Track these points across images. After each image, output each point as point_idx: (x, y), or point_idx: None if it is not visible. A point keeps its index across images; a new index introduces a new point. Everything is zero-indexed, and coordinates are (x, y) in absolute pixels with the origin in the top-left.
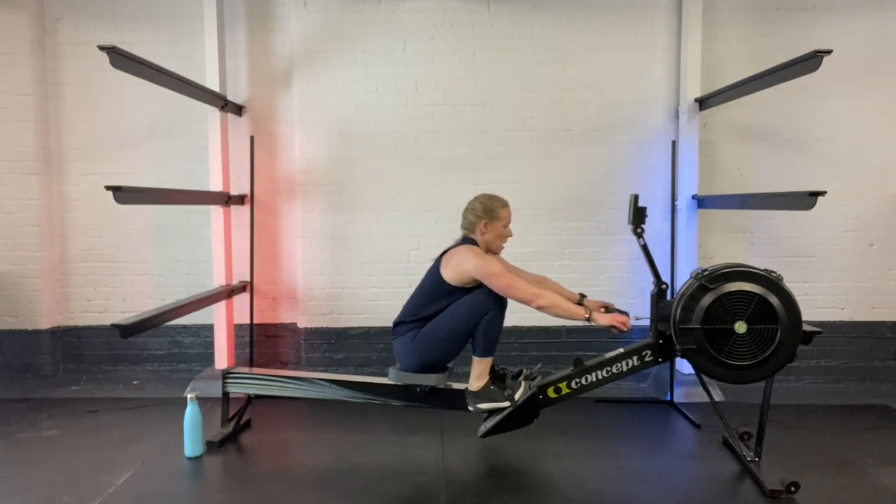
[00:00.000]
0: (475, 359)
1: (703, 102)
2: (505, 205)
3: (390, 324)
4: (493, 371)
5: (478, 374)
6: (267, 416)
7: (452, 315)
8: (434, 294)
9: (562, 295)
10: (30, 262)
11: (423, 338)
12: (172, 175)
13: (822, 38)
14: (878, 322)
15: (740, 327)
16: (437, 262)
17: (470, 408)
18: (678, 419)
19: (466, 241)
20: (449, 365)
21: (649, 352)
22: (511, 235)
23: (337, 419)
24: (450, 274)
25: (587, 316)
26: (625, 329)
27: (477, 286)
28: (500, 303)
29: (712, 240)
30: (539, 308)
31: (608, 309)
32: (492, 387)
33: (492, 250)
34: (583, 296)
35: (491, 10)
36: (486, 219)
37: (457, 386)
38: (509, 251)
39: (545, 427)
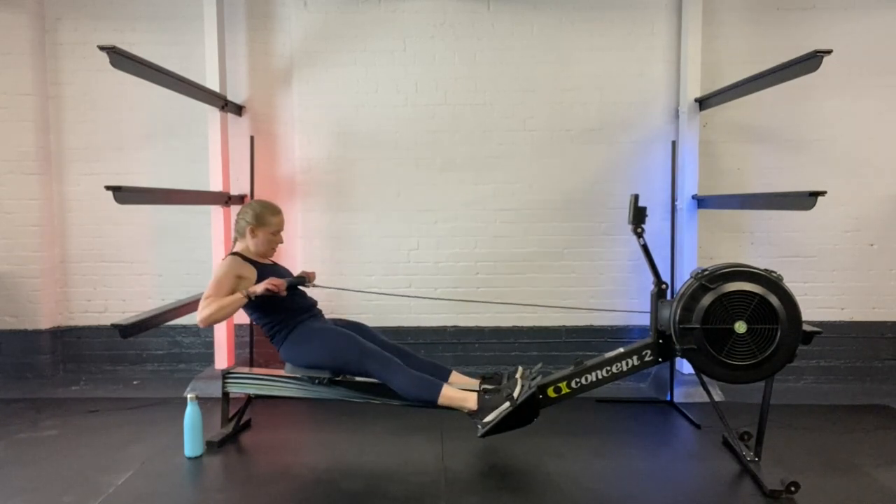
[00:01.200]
0: (438, 403)
1: (703, 102)
2: (276, 212)
3: (390, 324)
4: (482, 378)
5: (458, 402)
6: (267, 416)
7: (338, 352)
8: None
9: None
10: (30, 262)
11: (298, 346)
12: (172, 175)
13: (822, 38)
14: (878, 322)
15: (740, 327)
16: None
17: (479, 427)
18: (678, 419)
19: (232, 254)
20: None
21: (649, 351)
22: (282, 242)
23: (337, 419)
24: None
25: (244, 295)
26: (273, 290)
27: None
28: (379, 365)
29: (712, 240)
30: (204, 323)
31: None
32: (486, 396)
33: (261, 254)
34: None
35: (491, 10)
36: (253, 224)
37: (359, 378)
38: (510, 250)
39: (545, 427)
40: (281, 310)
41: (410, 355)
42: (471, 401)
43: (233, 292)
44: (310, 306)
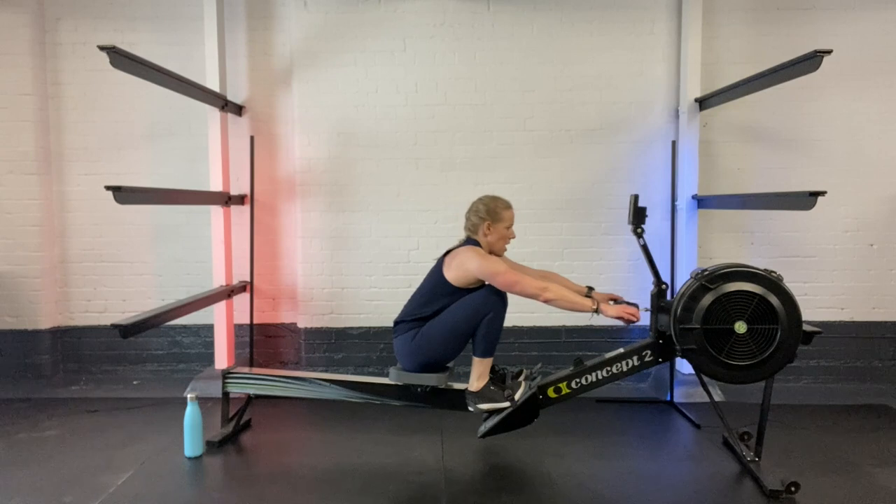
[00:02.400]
0: (475, 359)
1: (703, 102)
2: (508, 206)
3: (390, 324)
4: (493, 371)
5: (478, 374)
6: (267, 416)
7: (453, 315)
8: (436, 294)
9: (569, 288)
10: (30, 262)
11: (423, 337)
12: (172, 175)
13: (822, 38)
14: (878, 322)
15: (740, 327)
16: (440, 262)
17: (470, 408)
18: (678, 419)
19: (469, 242)
20: (449, 365)
21: (649, 352)
22: (514, 237)
23: (337, 419)
24: (453, 274)
25: (595, 307)
26: (634, 320)
27: (478, 287)
28: (500, 303)
29: (712, 240)
30: (547, 301)
31: (616, 301)
32: (492, 387)
33: (494, 251)
34: (590, 288)
35: (491, 10)
36: (488, 220)
37: (458, 386)
38: (510, 251)
39: (545, 427)
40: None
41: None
42: (482, 382)
43: (461, 281)
44: None
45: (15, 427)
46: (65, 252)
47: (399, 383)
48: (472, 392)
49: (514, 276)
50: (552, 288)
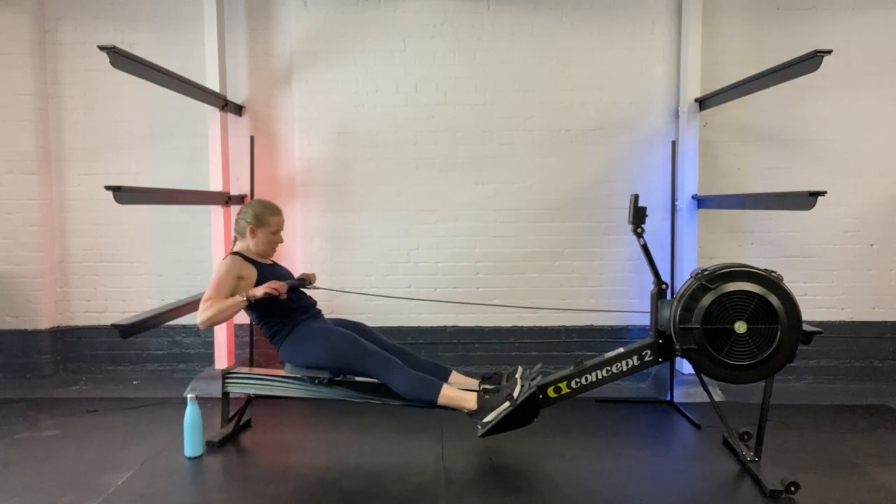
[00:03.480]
0: (438, 403)
1: (703, 102)
2: (276, 213)
3: (391, 324)
4: (486, 377)
5: (458, 402)
6: (267, 416)
7: (327, 352)
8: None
9: None
10: (30, 262)
11: (296, 346)
12: (172, 175)
13: (822, 38)
14: (878, 322)
15: (740, 327)
16: None
17: (479, 427)
18: (678, 419)
19: (232, 253)
20: None
21: (649, 351)
22: (282, 241)
23: (337, 419)
24: None
25: (244, 298)
26: (275, 293)
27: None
28: (378, 365)
29: (712, 240)
30: (204, 325)
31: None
32: (486, 396)
33: (261, 254)
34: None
35: (491, 10)
36: (252, 224)
37: (359, 378)
38: (511, 251)
39: (545, 427)
40: (280, 311)
41: (410, 355)
42: (470, 401)
43: (233, 293)
44: (309, 306)
45: (15, 427)
46: (65, 252)
47: (297, 375)
48: (471, 413)
49: (207, 294)
50: (205, 315)
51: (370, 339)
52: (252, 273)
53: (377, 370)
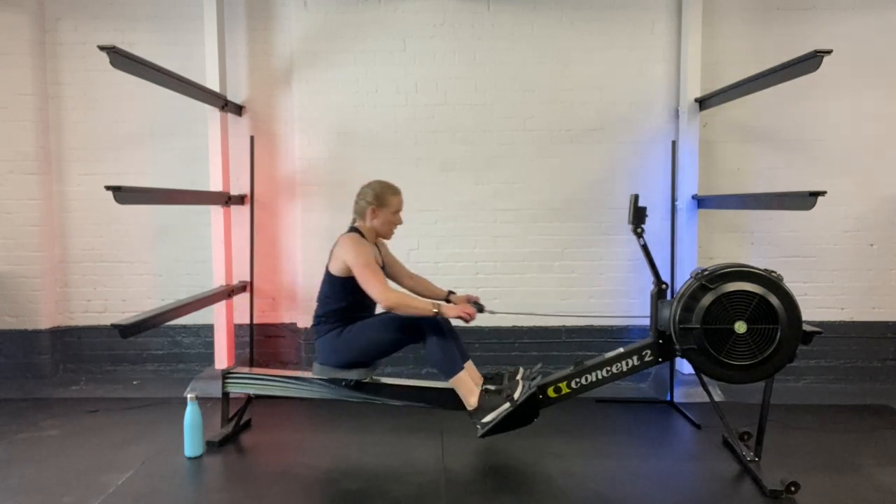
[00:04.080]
0: (450, 382)
1: (703, 102)
2: (396, 192)
3: None
4: (487, 376)
5: (466, 391)
6: (267, 416)
7: (383, 329)
8: (332, 287)
9: (431, 292)
10: (30, 262)
11: (348, 342)
12: (172, 175)
13: (822, 38)
14: (878, 322)
15: (740, 327)
16: (330, 253)
17: (477, 427)
18: (678, 419)
19: (351, 229)
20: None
21: (649, 352)
22: (401, 223)
23: (337, 419)
24: (334, 266)
25: (435, 311)
26: (466, 319)
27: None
28: (432, 325)
29: (712, 240)
30: (387, 309)
31: (471, 302)
32: (487, 395)
33: (381, 235)
34: (451, 292)
35: (491, 10)
36: (374, 205)
37: (385, 380)
38: (511, 251)
39: (545, 427)
40: (360, 308)
41: (450, 330)
42: (475, 396)
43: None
44: (371, 308)
45: (15, 427)
46: (65, 252)
47: (324, 377)
48: (472, 410)
49: (369, 276)
50: (393, 296)
51: None
52: (378, 259)
53: (427, 327)
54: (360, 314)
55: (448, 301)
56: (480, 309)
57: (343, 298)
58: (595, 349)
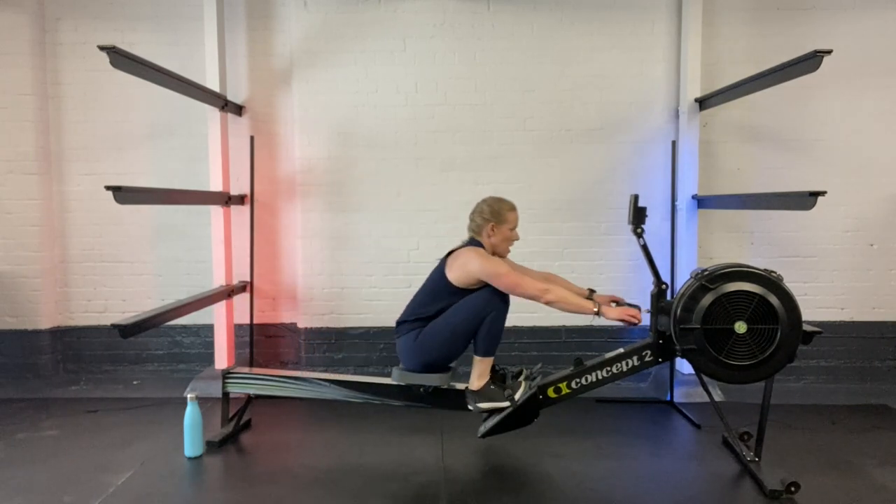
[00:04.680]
0: (476, 358)
1: (703, 102)
2: (512, 208)
3: (390, 324)
4: (493, 371)
5: (479, 373)
6: (267, 416)
7: (456, 314)
8: (438, 294)
9: (570, 290)
10: (30, 262)
11: (425, 336)
12: (172, 175)
13: (822, 38)
14: (878, 322)
15: (740, 327)
16: (443, 262)
17: (470, 406)
18: (678, 419)
19: (472, 242)
20: (452, 365)
21: (649, 352)
22: (518, 238)
23: (337, 419)
24: (455, 275)
25: (596, 310)
26: (636, 322)
27: (479, 287)
28: (503, 303)
29: (712, 240)
30: (548, 303)
31: (618, 303)
32: (492, 386)
33: (498, 253)
34: (592, 291)
35: (491, 10)
36: (493, 221)
37: (459, 386)
38: (511, 251)
39: (545, 427)
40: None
41: None
42: (482, 381)
43: (461, 282)
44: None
45: (15, 427)
46: (65, 252)
47: (402, 383)
48: (473, 391)
49: (515, 278)
50: (553, 290)
51: None
52: None
53: (495, 304)
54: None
55: (589, 299)
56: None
57: (445, 306)
58: (595, 349)
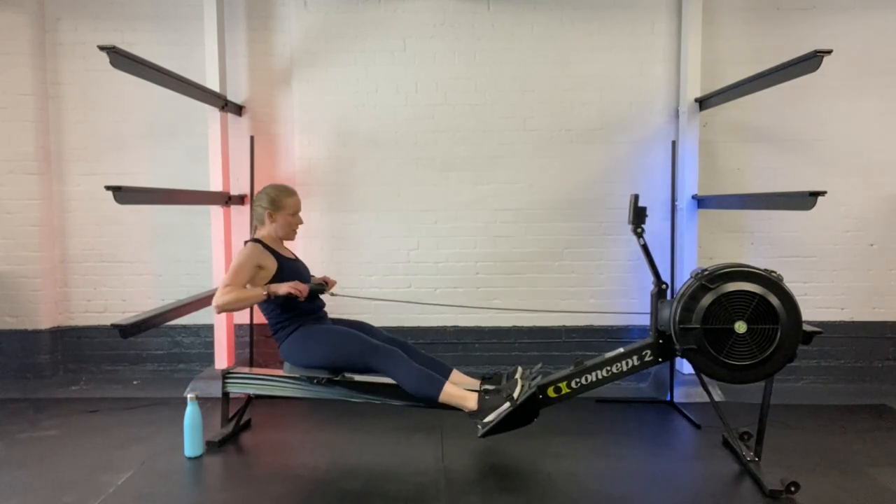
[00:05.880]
0: (439, 400)
1: (703, 102)
2: (291, 194)
3: (391, 324)
4: (484, 379)
5: (458, 401)
6: (267, 416)
7: (348, 349)
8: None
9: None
10: (30, 262)
11: (309, 347)
12: (172, 175)
13: (821, 38)
14: (878, 322)
15: (740, 327)
16: None
17: (479, 427)
18: (678, 419)
19: (252, 240)
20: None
21: (649, 352)
22: (301, 223)
23: (337, 419)
24: None
25: (265, 292)
26: (299, 295)
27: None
28: (386, 357)
29: (712, 240)
30: (219, 310)
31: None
32: (486, 396)
33: (284, 238)
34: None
35: (491, 10)
36: (269, 209)
37: (358, 378)
38: (510, 250)
39: (545, 427)
40: (291, 308)
41: (413, 351)
42: (471, 400)
43: (251, 282)
44: (318, 308)
45: (15, 427)
46: (65, 252)
47: (296, 375)
48: (471, 413)
49: (219, 292)
50: (222, 299)
51: (374, 336)
52: (272, 264)
53: (382, 363)
54: (304, 318)
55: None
56: (322, 289)
57: (275, 308)
58: (595, 349)
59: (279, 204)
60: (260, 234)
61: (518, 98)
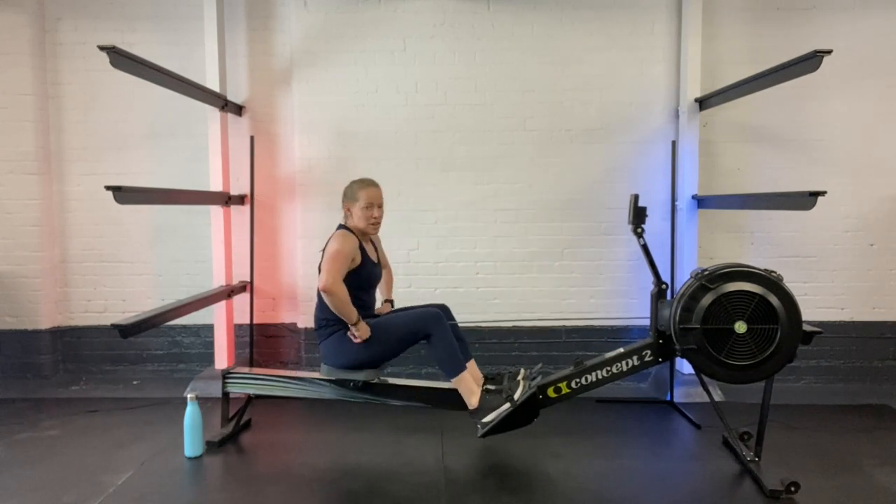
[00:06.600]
0: (452, 381)
1: (703, 102)
2: (365, 185)
3: None
4: (488, 378)
5: (467, 392)
6: (267, 416)
7: (388, 330)
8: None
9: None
10: (30, 262)
11: (353, 344)
12: (172, 175)
13: (822, 38)
14: (878, 322)
15: (740, 327)
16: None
17: (478, 426)
18: (678, 419)
19: (339, 227)
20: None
21: (649, 352)
22: (377, 216)
23: (337, 419)
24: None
25: (356, 323)
26: (355, 340)
27: (355, 275)
28: (437, 322)
29: (712, 240)
30: (328, 293)
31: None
32: (488, 396)
33: (364, 231)
34: (388, 301)
35: (491, 10)
36: (346, 201)
37: (392, 380)
38: (511, 251)
39: (545, 427)
40: (357, 303)
41: (450, 316)
42: (476, 396)
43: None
44: (368, 306)
45: (15, 427)
46: (65, 252)
47: (331, 378)
48: (472, 410)
49: (327, 262)
50: (336, 293)
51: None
52: (358, 259)
53: (432, 327)
54: (361, 313)
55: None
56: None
57: (326, 306)
58: (595, 349)
59: (353, 195)
60: (350, 224)
61: (518, 98)
